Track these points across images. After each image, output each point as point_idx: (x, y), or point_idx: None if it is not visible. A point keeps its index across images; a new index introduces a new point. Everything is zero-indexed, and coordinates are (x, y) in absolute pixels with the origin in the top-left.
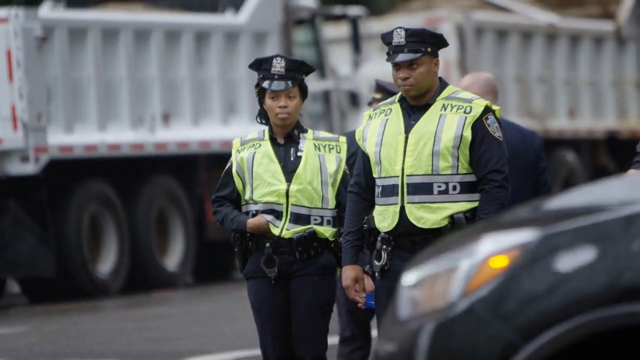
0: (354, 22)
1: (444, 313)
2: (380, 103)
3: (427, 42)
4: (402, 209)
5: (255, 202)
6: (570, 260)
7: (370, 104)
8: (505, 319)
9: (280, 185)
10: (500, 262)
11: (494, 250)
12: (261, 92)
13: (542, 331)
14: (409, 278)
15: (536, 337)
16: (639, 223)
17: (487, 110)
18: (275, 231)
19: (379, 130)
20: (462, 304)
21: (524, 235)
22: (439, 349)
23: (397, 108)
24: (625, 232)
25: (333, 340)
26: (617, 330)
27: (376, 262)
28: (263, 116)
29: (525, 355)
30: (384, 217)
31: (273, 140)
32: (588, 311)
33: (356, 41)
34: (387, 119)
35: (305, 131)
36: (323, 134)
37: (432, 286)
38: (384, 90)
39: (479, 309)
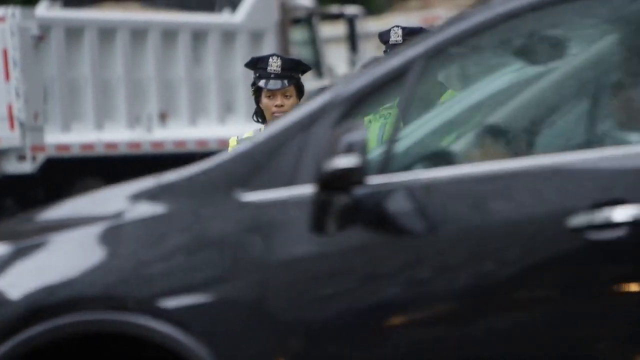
0: (351, 21)
1: None
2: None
3: None
4: None
5: None
6: (37, 275)
7: None
8: None
9: None
10: None
11: None
12: (257, 91)
13: (6, 338)
14: None
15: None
16: (112, 238)
17: None
18: None
19: (378, 133)
20: None
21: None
22: None
23: (396, 112)
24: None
25: None
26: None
27: None
28: (259, 115)
29: None
30: None
31: None
32: (45, 320)
33: (353, 40)
34: (386, 123)
35: None
36: None
37: None
38: None
39: None
